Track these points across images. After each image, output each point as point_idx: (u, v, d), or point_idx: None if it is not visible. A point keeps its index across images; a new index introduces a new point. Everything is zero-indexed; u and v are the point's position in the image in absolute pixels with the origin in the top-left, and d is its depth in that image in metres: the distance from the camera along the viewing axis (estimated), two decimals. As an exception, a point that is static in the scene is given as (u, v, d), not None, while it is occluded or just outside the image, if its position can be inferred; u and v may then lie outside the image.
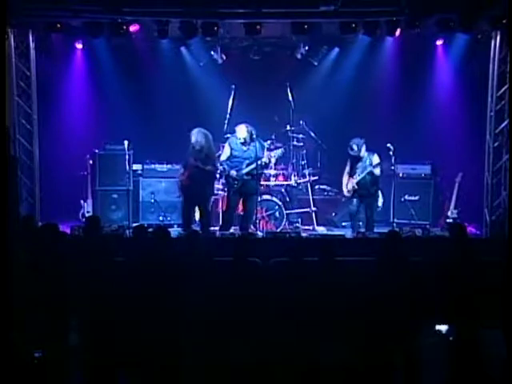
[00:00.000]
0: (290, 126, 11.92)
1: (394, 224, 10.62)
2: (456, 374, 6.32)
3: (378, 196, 10.62)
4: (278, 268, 6.74)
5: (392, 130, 11.72)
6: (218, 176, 10.92)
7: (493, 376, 6.33)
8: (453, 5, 10.16)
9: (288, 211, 11.48)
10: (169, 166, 12.02)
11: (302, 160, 12.06)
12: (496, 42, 10.86)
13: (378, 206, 10.68)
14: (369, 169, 10.22)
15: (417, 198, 11.90)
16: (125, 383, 6.26)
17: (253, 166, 10.10)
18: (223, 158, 10.34)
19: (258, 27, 10.61)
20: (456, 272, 6.41)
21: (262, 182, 11.14)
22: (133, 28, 10.81)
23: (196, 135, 10.14)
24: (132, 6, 10.24)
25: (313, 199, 11.80)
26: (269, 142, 11.41)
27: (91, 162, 11.96)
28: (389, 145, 10.32)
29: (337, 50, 12.40)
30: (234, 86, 11.87)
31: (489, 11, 10.18)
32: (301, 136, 12.03)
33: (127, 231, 9.73)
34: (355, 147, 10.22)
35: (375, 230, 10.13)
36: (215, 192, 11.28)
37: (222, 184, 11.10)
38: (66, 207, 11.71)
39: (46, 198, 11.46)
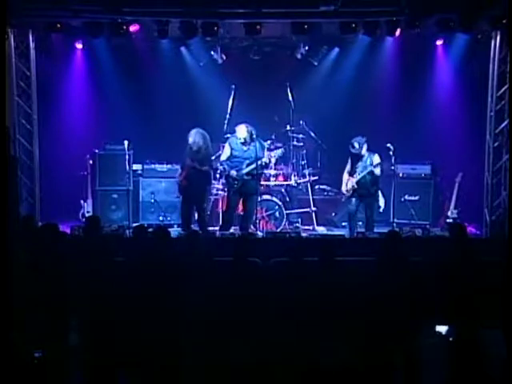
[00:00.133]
0: (290, 126, 11.92)
1: (394, 224, 10.62)
2: (456, 374, 6.32)
3: (377, 196, 10.59)
4: (278, 268, 6.75)
5: (392, 130, 11.73)
6: (218, 176, 10.91)
7: (493, 376, 6.32)
8: (453, 5, 10.17)
9: (288, 211, 11.48)
10: (169, 166, 12.01)
11: (302, 160, 12.06)
12: (496, 41, 10.87)
13: (380, 206, 10.66)
14: (369, 168, 10.21)
15: (417, 198, 11.91)
16: (125, 383, 6.26)
17: (253, 166, 10.09)
18: (223, 158, 10.33)
19: (258, 27, 10.62)
20: (456, 272, 6.41)
21: (262, 182, 11.13)
22: (133, 28, 10.81)
23: (194, 136, 10.13)
24: (132, 5, 10.25)
25: (313, 199, 11.81)
26: (269, 141, 11.40)
27: (91, 161, 11.96)
28: (389, 145, 10.32)
29: (337, 50, 12.40)
30: (233, 86, 11.86)
31: (489, 11, 10.18)
32: (301, 136, 12.04)
33: (127, 231, 9.74)
34: (356, 145, 10.21)
35: (375, 230, 10.13)
36: (215, 192, 11.29)
37: (222, 184, 11.10)
38: (66, 207, 11.72)
39: (46, 198, 11.47)
